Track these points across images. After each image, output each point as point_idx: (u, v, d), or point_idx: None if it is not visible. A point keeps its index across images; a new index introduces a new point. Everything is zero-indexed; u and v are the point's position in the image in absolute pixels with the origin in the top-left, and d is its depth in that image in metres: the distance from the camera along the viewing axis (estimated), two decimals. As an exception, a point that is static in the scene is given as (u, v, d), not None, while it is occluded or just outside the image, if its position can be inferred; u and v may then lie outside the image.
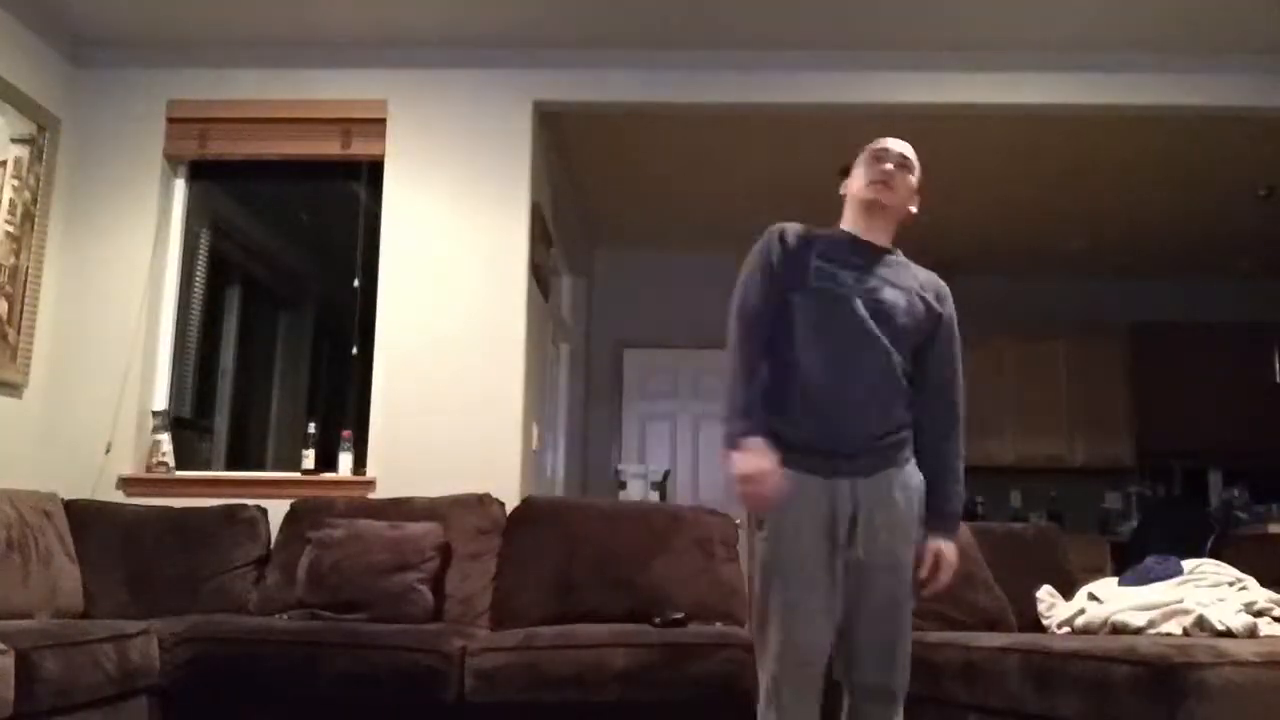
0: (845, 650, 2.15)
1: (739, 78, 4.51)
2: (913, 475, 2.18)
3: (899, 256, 2.33)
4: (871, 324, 2.15)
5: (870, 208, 2.30)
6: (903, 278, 2.27)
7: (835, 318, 2.16)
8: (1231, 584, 2.87)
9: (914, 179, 2.35)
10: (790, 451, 2.12)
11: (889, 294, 2.19)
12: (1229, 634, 2.61)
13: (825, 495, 2.10)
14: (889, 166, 2.30)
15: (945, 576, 2.17)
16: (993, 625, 3.23)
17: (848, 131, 5.13)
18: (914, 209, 2.37)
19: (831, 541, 2.09)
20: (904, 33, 4.33)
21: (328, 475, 4.27)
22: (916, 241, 6.94)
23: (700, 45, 4.46)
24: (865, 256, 2.26)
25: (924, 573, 2.17)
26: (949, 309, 2.30)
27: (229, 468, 4.72)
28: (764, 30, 4.33)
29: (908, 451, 2.19)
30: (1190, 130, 4.96)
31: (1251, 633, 2.53)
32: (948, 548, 2.17)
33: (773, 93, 4.52)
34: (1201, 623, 2.67)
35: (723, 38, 4.40)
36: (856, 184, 2.34)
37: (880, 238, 2.31)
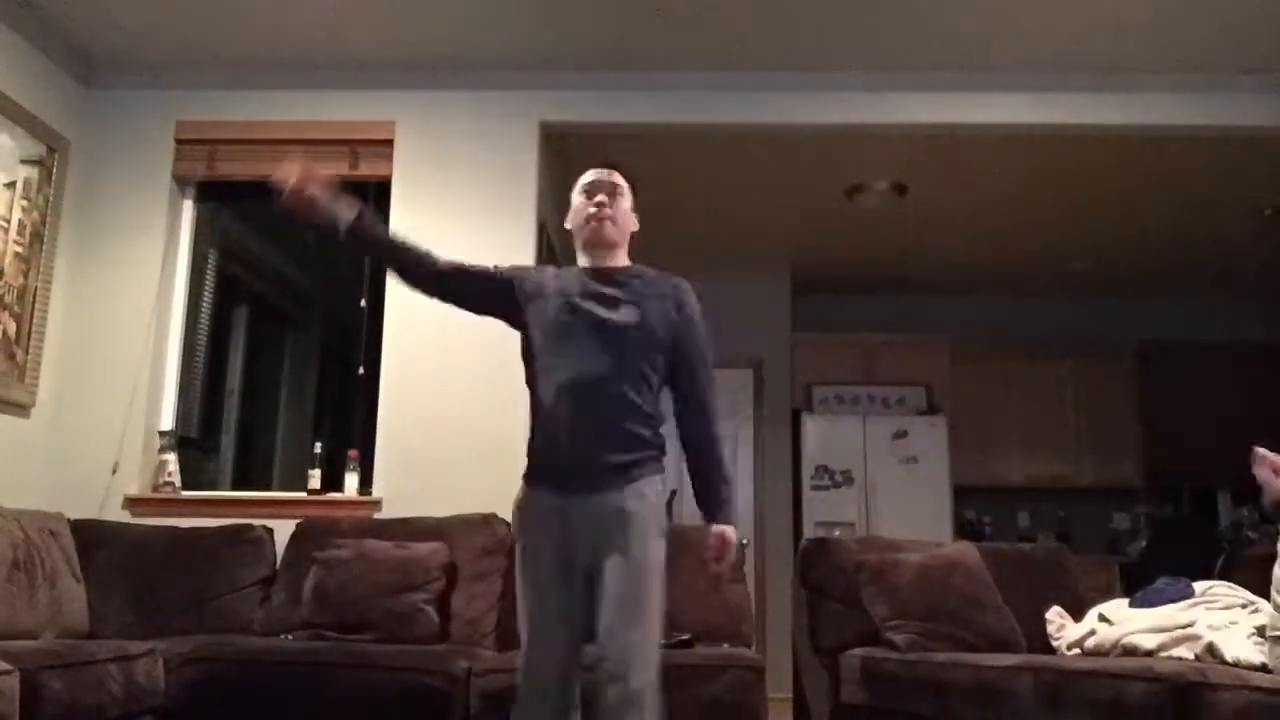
0: (595, 655, 2.26)
1: (742, 99, 4.52)
2: (650, 486, 2.31)
3: (635, 273, 2.44)
4: (598, 350, 2.29)
5: (593, 242, 2.43)
6: (636, 289, 2.39)
7: (562, 347, 2.31)
8: (1244, 606, 2.85)
9: (628, 203, 2.48)
10: (533, 469, 2.34)
11: (623, 312, 2.33)
12: (1238, 665, 2.58)
13: (558, 513, 2.26)
14: (603, 198, 2.42)
15: (729, 556, 2.35)
16: (1001, 646, 3.21)
17: (853, 152, 5.17)
18: (635, 227, 2.51)
19: (567, 557, 2.25)
20: (909, 54, 4.34)
21: (334, 495, 4.27)
22: (921, 261, 6.97)
23: (705, 67, 4.48)
24: (598, 283, 2.39)
25: (708, 555, 2.36)
26: (687, 309, 2.42)
27: (235, 488, 4.72)
28: (767, 52, 4.35)
29: (648, 468, 2.32)
30: (1196, 150, 4.96)
31: (1263, 668, 2.49)
32: (729, 530, 2.35)
33: (777, 113, 4.53)
34: (1212, 650, 2.64)
35: (726, 60, 4.42)
36: (576, 221, 2.47)
37: (611, 262, 2.45)
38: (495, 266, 2.49)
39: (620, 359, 2.29)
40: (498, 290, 2.44)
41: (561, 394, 2.28)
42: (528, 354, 2.40)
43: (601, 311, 2.32)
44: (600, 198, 2.42)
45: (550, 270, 2.51)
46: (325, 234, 2.33)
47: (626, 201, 2.49)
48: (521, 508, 2.35)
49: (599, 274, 2.42)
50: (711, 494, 2.39)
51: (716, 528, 2.37)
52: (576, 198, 2.48)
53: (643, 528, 2.26)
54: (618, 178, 2.49)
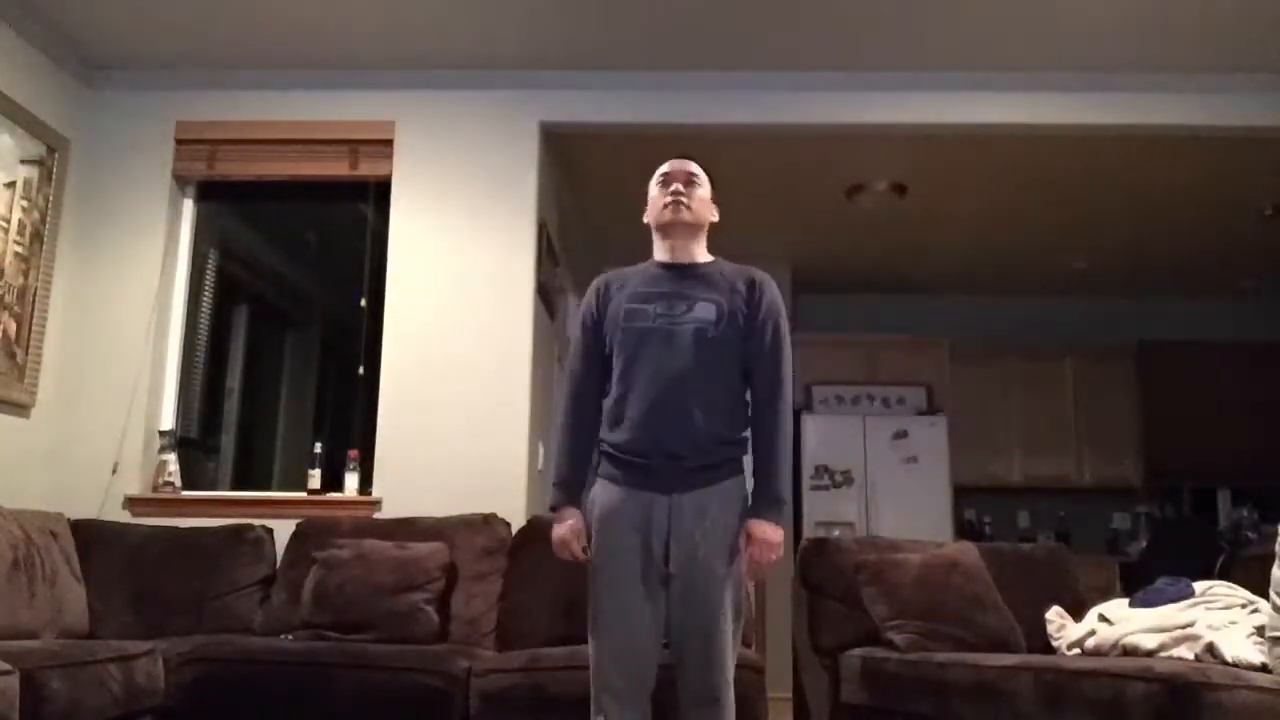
0: (673, 656, 2.27)
1: (742, 98, 4.53)
2: (736, 488, 2.30)
3: (713, 265, 2.45)
4: (676, 351, 2.28)
5: (671, 229, 2.42)
6: (716, 286, 2.38)
7: (640, 350, 2.30)
8: (1244, 606, 2.84)
9: (705, 191, 2.47)
10: (615, 467, 2.30)
11: (700, 310, 2.32)
12: (1238, 665, 2.57)
13: (642, 509, 2.24)
14: (678, 186, 2.41)
15: (761, 555, 2.22)
16: (1001, 646, 3.21)
17: (853, 152, 5.17)
18: (714, 218, 2.51)
19: (648, 555, 2.23)
20: (908, 53, 4.35)
21: (334, 495, 4.27)
22: (921, 261, 6.96)
23: (703, 67, 4.48)
24: (675, 280, 2.39)
25: (741, 544, 2.25)
26: (767, 298, 2.39)
27: (235, 488, 4.72)
28: (768, 52, 4.35)
29: (730, 467, 2.31)
30: (1196, 149, 4.96)
31: (1263, 668, 2.49)
32: (759, 526, 2.23)
33: (777, 113, 4.54)
34: (1212, 649, 2.64)
35: (726, 59, 4.42)
36: (653, 210, 2.45)
37: (688, 254, 2.44)
38: (586, 330, 2.44)
39: (698, 358, 2.27)
40: (601, 344, 2.42)
41: (641, 395, 2.27)
42: (610, 356, 2.39)
43: (679, 311, 2.31)
44: (676, 186, 2.42)
45: (630, 273, 2.47)
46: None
47: (704, 190, 2.47)
48: (600, 505, 2.32)
49: (675, 270, 2.41)
50: (758, 490, 2.30)
51: (752, 521, 2.26)
52: (653, 189, 2.47)
53: (728, 536, 2.25)
54: (694, 167, 2.48)
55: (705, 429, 2.27)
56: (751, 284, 2.39)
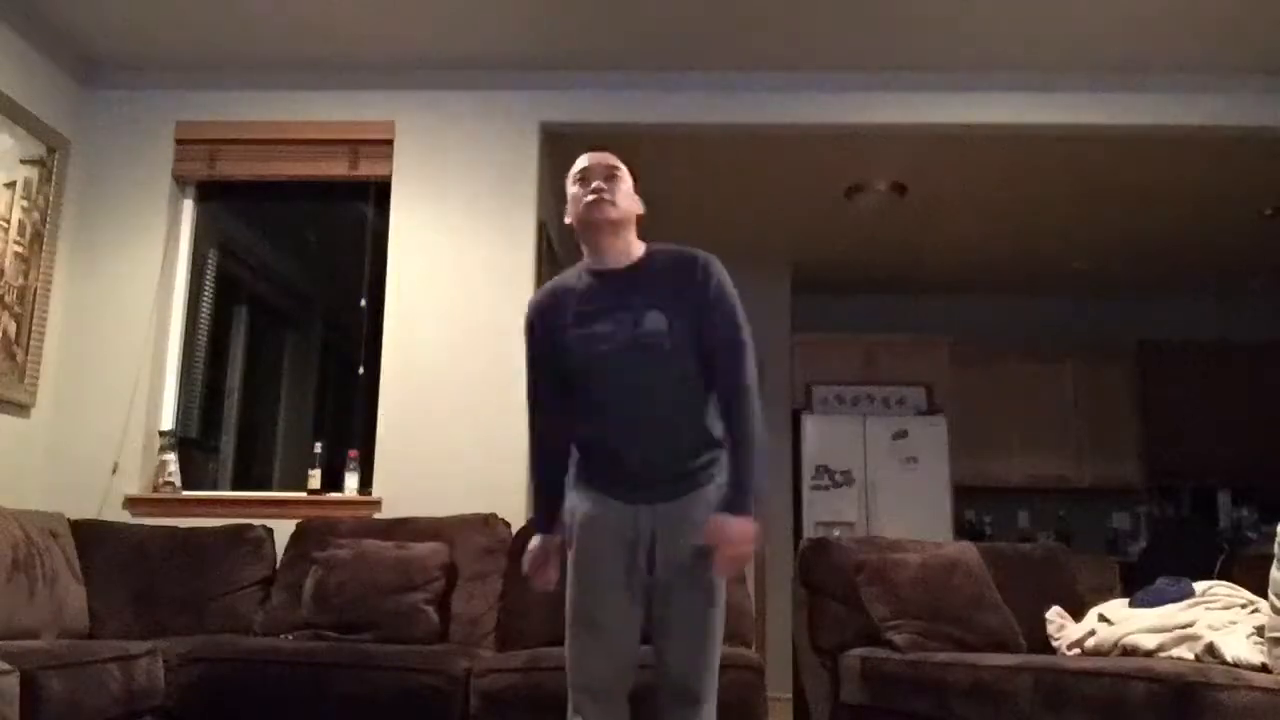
0: (655, 656, 2.23)
1: (742, 99, 4.52)
2: (717, 490, 2.21)
3: (648, 259, 2.29)
4: (636, 369, 2.17)
5: (596, 229, 2.24)
6: (656, 284, 2.24)
7: (602, 370, 2.19)
8: (1244, 606, 2.85)
9: (628, 184, 2.31)
10: (595, 481, 2.25)
11: (649, 322, 2.19)
12: (1238, 665, 2.58)
13: (627, 520, 2.20)
14: (599, 182, 2.24)
15: (728, 550, 2.07)
16: (1001, 646, 3.21)
17: (853, 152, 5.17)
18: (640, 210, 2.34)
19: (631, 562, 2.19)
20: (909, 53, 4.35)
21: (334, 495, 4.27)
22: (921, 261, 6.95)
23: (704, 67, 4.48)
24: (613, 289, 2.24)
25: (705, 540, 2.12)
26: (714, 280, 2.24)
27: (235, 488, 4.72)
28: (769, 52, 4.35)
29: (714, 469, 2.23)
30: (1196, 150, 4.96)
31: (1263, 668, 2.49)
32: (723, 522, 2.08)
33: (777, 113, 4.53)
34: (1212, 650, 2.64)
35: (726, 60, 4.42)
36: (574, 210, 2.28)
37: (621, 254, 2.28)
38: (535, 356, 2.33)
39: (658, 372, 2.18)
40: (555, 367, 2.30)
41: (612, 417, 2.20)
42: (567, 374, 2.26)
43: (627, 327, 2.19)
44: (597, 182, 2.26)
45: (564, 289, 2.32)
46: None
47: (626, 183, 2.31)
48: (582, 511, 2.26)
49: (611, 277, 2.26)
50: (728, 483, 2.16)
51: (716, 517, 2.11)
52: (571, 187, 2.31)
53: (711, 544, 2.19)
54: (612, 159, 2.31)
55: (681, 438, 2.21)
56: (693, 267, 2.25)
